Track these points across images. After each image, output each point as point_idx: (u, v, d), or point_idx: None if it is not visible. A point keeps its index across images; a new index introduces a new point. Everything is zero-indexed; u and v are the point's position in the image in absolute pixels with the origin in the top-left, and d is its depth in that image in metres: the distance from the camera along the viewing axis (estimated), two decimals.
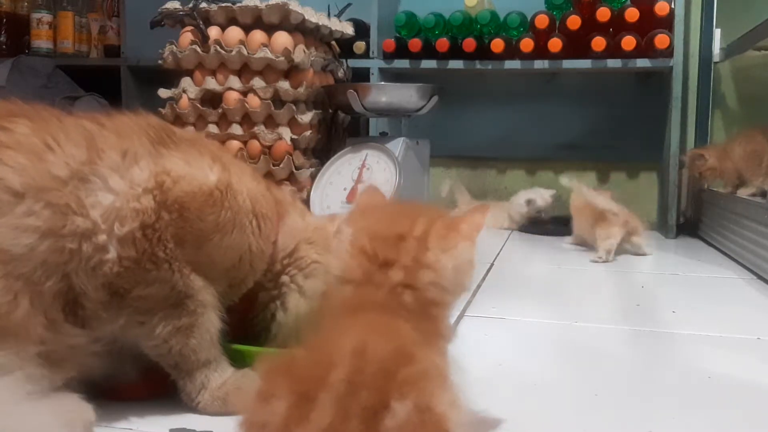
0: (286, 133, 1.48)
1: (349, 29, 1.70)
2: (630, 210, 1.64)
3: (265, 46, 1.45)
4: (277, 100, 1.48)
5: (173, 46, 1.49)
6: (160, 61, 1.52)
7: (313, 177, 1.51)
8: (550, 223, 2.03)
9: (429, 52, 2.10)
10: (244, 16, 1.48)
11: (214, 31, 1.48)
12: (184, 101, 1.49)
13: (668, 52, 1.92)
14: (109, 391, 0.64)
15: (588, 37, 1.98)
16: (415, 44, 2.09)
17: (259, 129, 1.46)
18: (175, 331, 0.63)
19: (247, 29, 1.48)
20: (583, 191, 1.67)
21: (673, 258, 1.69)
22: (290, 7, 1.46)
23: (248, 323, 0.75)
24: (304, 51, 1.49)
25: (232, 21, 1.49)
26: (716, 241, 1.78)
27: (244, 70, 1.48)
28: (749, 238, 1.48)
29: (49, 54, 2.32)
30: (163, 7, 1.52)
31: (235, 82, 1.47)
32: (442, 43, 2.07)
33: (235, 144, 1.47)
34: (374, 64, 2.13)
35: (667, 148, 1.99)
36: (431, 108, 1.54)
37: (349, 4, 1.74)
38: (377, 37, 2.13)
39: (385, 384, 0.42)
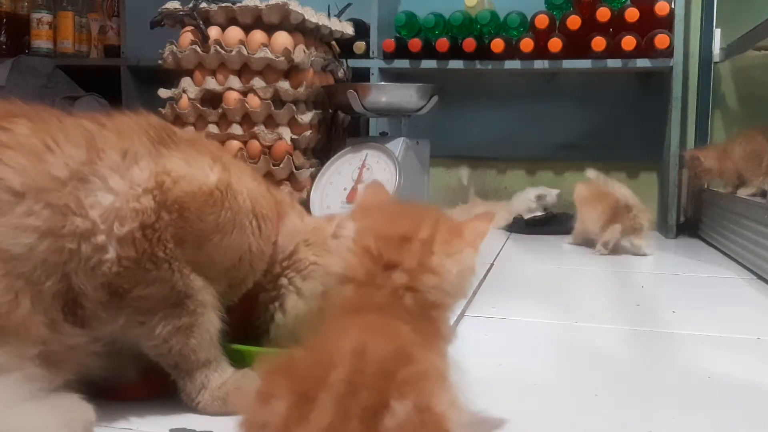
0: (286, 133, 1.48)
1: (349, 29, 1.70)
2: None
3: (265, 46, 1.45)
4: (277, 100, 1.48)
5: (173, 46, 1.50)
6: (160, 61, 1.52)
7: (313, 177, 1.51)
8: (552, 223, 2.03)
9: (429, 52, 2.10)
10: (244, 16, 1.48)
11: (214, 31, 1.48)
12: (184, 101, 1.49)
13: (668, 52, 1.92)
14: (109, 391, 0.64)
15: (588, 37, 1.98)
16: (415, 44, 2.09)
17: (259, 129, 1.46)
18: (175, 331, 0.63)
19: (247, 29, 1.48)
20: (608, 183, 1.65)
21: (673, 258, 1.69)
22: (290, 7, 1.46)
23: (248, 323, 0.75)
24: (304, 51, 1.49)
25: (232, 21, 1.49)
26: (716, 241, 1.78)
27: (244, 70, 1.48)
28: (749, 238, 1.48)
29: (49, 54, 2.32)
30: (163, 7, 1.52)
31: (235, 82, 1.47)
32: (442, 43, 2.07)
33: (235, 144, 1.47)
34: (374, 64, 2.13)
35: (667, 148, 1.99)
36: (431, 108, 1.54)
37: (349, 4, 1.74)
38: (377, 37, 2.13)
39: (385, 384, 0.42)
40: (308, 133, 1.50)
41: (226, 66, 1.47)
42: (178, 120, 1.49)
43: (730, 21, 2.06)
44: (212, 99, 1.49)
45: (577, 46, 2.01)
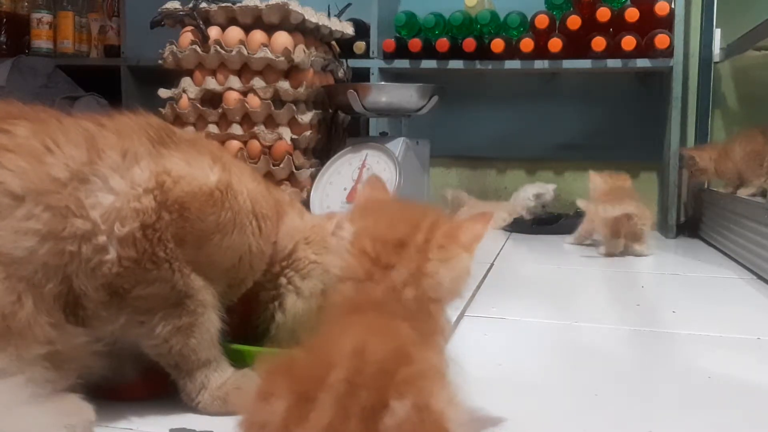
0: (286, 133, 1.48)
1: (349, 29, 1.70)
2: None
3: (265, 46, 1.45)
4: (277, 100, 1.48)
5: (173, 46, 1.50)
6: (160, 61, 1.53)
7: (313, 177, 1.51)
8: (556, 222, 2.03)
9: (429, 52, 2.10)
10: (244, 16, 1.48)
11: (214, 31, 1.48)
12: (184, 101, 1.49)
13: (668, 52, 1.92)
14: (109, 391, 0.64)
15: (588, 37, 1.98)
16: (415, 44, 2.09)
17: (259, 129, 1.46)
18: (176, 331, 0.63)
19: (247, 29, 1.48)
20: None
21: (673, 258, 1.69)
22: (290, 7, 1.46)
23: (248, 323, 0.75)
24: (304, 51, 1.49)
25: (232, 21, 1.49)
26: (716, 241, 1.78)
27: (244, 70, 1.48)
28: (749, 238, 1.48)
29: (49, 54, 2.32)
30: (163, 7, 1.53)
31: (235, 82, 1.47)
32: (442, 43, 2.07)
33: (235, 144, 1.47)
34: (374, 64, 2.13)
35: (667, 148, 1.99)
36: (431, 108, 1.54)
37: (349, 4, 1.74)
38: (377, 37, 2.13)
39: (384, 384, 0.42)
40: (308, 133, 1.50)
41: (226, 66, 1.47)
42: (178, 120, 1.49)
43: (730, 21, 2.06)
44: (212, 99, 1.49)
45: (577, 46, 2.01)
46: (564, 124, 2.29)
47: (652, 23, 1.95)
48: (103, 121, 0.65)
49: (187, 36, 1.49)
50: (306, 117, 1.50)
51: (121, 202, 0.60)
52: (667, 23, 1.94)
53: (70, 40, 2.34)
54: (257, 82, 1.46)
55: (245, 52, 1.44)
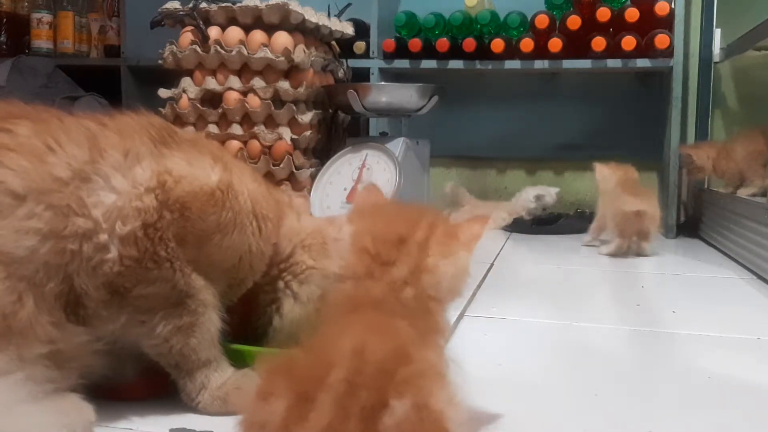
0: (286, 133, 1.48)
1: (349, 29, 1.70)
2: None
3: (265, 46, 1.45)
4: (277, 100, 1.48)
5: (173, 46, 1.50)
6: (160, 61, 1.53)
7: (313, 177, 1.51)
8: (557, 222, 2.03)
9: (429, 52, 2.10)
10: (244, 16, 1.48)
11: (214, 31, 1.48)
12: (184, 101, 1.49)
13: (668, 52, 1.92)
14: (109, 391, 0.64)
15: (588, 37, 1.98)
16: (415, 44, 2.09)
17: (259, 129, 1.46)
18: (176, 331, 0.63)
19: (247, 29, 1.48)
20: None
21: (673, 258, 1.69)
22: (290, 7, 1.46)
23: (248, 324, 0.75)
24: (304, 51, 1.49)
25: (232, 21, 1.49)
26: (716, 241, 1.78)
27: (244, 70, 1.48)
28: (749, 238, 1.48)
29: (49, 54, 2.32)
30: (163, 7, 1.53)
31: (235, 82, 1.47)
32: (442, 43, 2.07)
33: (235, 144, 1.47)
34: (374, 64, 2.13)
35: (667, 148, 1.99)
36: (431, 108, 1.54)
37: (349, 4, 1.74)
38: (377, 37, 2.13)
39: (384, 384, 0.42)
40: (308, 133, 1.50)
41: (226, 66, 1.47)
42: (178, 120, 1.49)
43: (730, 21, 2.06)
44: (212, 99, 1.49)
45: (577, 46, 2.01)
46: (564, 124, 2.29)
47: (652, 23, 1.95)
48: (104, 121, 0.65)
49: (187, 36, 1.49)
50: (306, 117, 1.50)
51: (122, 201, 0.60)
52: (667, 23, 1.94)
53: (70, 40, 2.34)
54: (257, 82, 1.46)
55: (245, 52, 1.44)
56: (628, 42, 1.92)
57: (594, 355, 0.91)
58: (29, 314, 0.56)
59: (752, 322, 1.08)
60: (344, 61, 1.74)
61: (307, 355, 0.45)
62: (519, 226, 2.03)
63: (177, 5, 1.52)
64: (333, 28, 1.62)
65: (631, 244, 1.61)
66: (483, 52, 2.06)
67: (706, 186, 1.99)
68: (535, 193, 2.07)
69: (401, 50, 2.12)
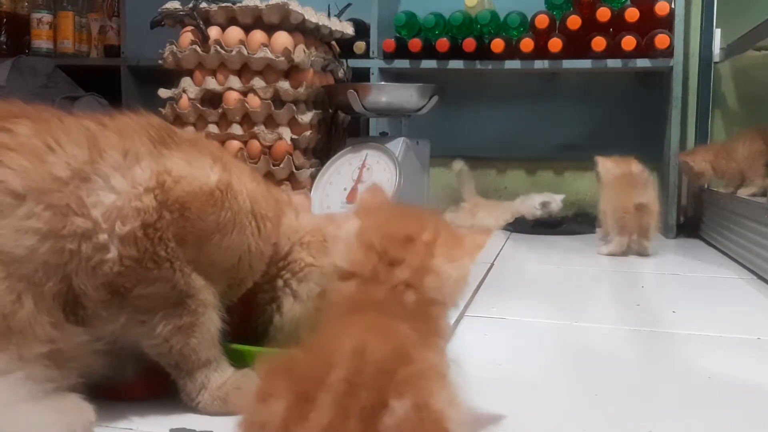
0: (286, 133, 1.48)
1: (349, 29, 1.70)
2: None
3: (265, 46, 1.45)
4: (277, 100, 1.48)
5: (173, 46, 1.50)
6: (160, 61, 1.53)
7: (313, 177, 1.51)
8: (557, 224, 2.03)
9: (429, 52, 2.10)
10: (244, 16, 1.48)
11: (214, 31, 1.48)
12: (184, 101, 1.49)
13: (668, 52, 1.92)
14: (109, 391, 0.64)
15: (588, 37, 1.98)
16: (415, 44, 2.09)
17: (259, 129, 1.46)
18: (176, 331, 0.63)
19: (247, 29, 1.48)
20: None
21: (673, 258, 1.69)
22: (290, 7, 1.46)
23: (248, 323, 0.75)
24: (304, 51, 1.49)
25: (232, 21, 1.49)
26: (716, 241, 1.78)
27: (244, 70, 1.48)
28: (749, 238, 1.48)
29: (49, 54, 2.32)
30: (163, 7, 1.53)
31: (235, 82, 1.47)
32: (442, 43, 2.07)
33: (235, 144, 1.47)
34: (374, 64, 2.13)
35: (667, 148, 1.99)
36: (431, 108, 1.55)
37: (349, 4, 1.74)
38: (377, 37, 2.13)
39: (384, 384, 0.42)
40: (308, 133, 1.50)
41: (226, 66, 1.47)
42: (178, 120, 1.49)
43: (730, 21, 2.06)
44: (212, 99, 1.49)
45: (577, 46, 2.01)
46: (564, 124, 2.29)
47: (652, 23, 1.95)
48: (104, 121, 0.65)
49: (187, 36, 1.49)
50: (306, 117, 1.50)
51: (122, 201, 0.60)
52: (667, 23, 1.94)
53: (70, 40, 2.34)
54: (257, 82, 1.46)
55: (245, 52, 1.44)
56: (628, 42, 1.92)
57: (594, 355, 0.91)
58: (28, 314, 0.56)
59: (752, 322, 1.08)
60: (344, 61, 1.74)
61: (307, 355, 0.45)
62: (519, 226, 2.03)
63: (177, 5, 1.52)
64: (333, 28, 1.62)
65: (631, 243, 1.61)
66: (483, 52, 2.06)
67: (706, 186, 1.99)
68: (541, 200, 2.06)
69: (401, 50, 2.12)
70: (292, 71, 1.49)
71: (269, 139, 1.46)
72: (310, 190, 1.49)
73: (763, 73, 2.12)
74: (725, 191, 1.82)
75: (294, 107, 1.48)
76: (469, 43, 2.05)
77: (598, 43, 1.95)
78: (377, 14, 2.12)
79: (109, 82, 2.19)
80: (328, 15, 1.65)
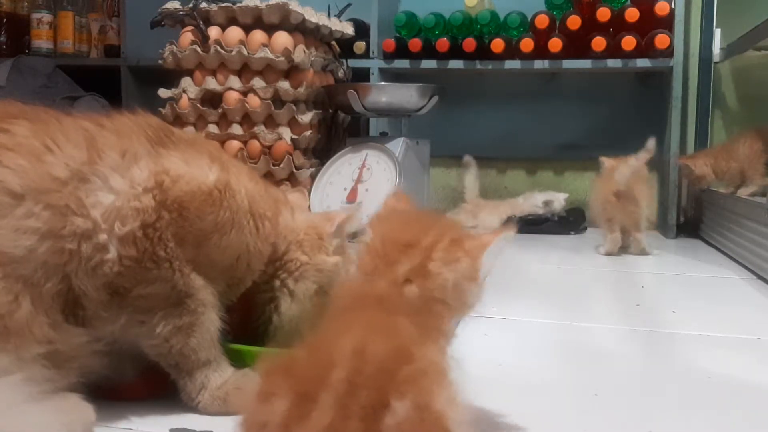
0: (286, 133, 1.48)
1: (349, 29, 1.71)
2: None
3: (265, 46, 1.45)
4: (277, 100, 1.48)
5: (173, 46, 1.50)
6: (160, 61, 1.53)
7: (313, 177, 1.51)
8: (540, 222, 2.03)
9: (429, 52, 2.10)
10: (244, 16, 1.48)
11: (214, 31, 1.48)
12: (184, 101, 1.49)
13: (668, 52, 1.92)
14: (109, 391, 0.64)
15: (588, 37, 1.98)
16: (415, 44, 2.09)
17: (259, 129, 1.46)
18: (176, 331, 0.63)
19: (247, 29, 1.48)
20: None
21: (673, 258, 1.69)
22: (290, 7, 1.46)
23: (248, 323, 0.75)
24: (304, 51, 1.49)
25: (232, 21, 1.50)
26: (716, 241, 1.78)
27: (244, 70, 1.48)
28: (749, 238, 1.48)
29: (49, 54, 2.32)
30: (163, 7, 1.53)
31: (235, 82, 1.47)
32: (442, 43, 2.07)
33: (235, 144, 1.47)
34: (374, 64, 2.13)
35: (667, 148, 1.99)
36: (431, 108, 1.55)
37: (349, 4, 1.74)
38: (377, 37, 2.13)
39: (385, 383, 0.42)
40: (308, 133, 1.50)
41: (226, 66, 1.47)
42: (179, 120, 1.49)
43: (730, 21, 2.06)
44: (212, 99, 1.49)
45: (577, 46, 2.01)
46: (564, 124, 2.29)
47: (652, 23, 1.95)
48: (102, 121, 0.65)
49: (187, 36, 1.49)
50: (306, 117, 1.50)
51: (121, 201, 0.60)
52: (667, 23, 1.94)
53: (70, 40, 2.34)
54: (257, 82, 1.46)
55: (245, 52, 1.44)
56: (628, 42, 1.92)
57: (594, 355, 0.91)
58: (26, 314, 0.56)
59: (752, 322, 1.08)
60: (344, 61, 1.74)
61: (307, 355, 0.45)
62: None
63: (177, 5, 1.52)
64: (333, 28, 1.62)
65: (625, 240, 1.61)
66: (483, 52, 2.06)
67: (706, 186, 1.99)
68: (544, 198, 2.05)
69: (401, 50, 2.12)
70: (292, 71, 1.49)
71: (269, 139, 1.46)
72: (310, 190, 1.49)
73: (763, 73, 2.12)
74: (725, 191, 1.82)
75: (294, 107, 1.48)
76: (469, 43, 2.05)
77: (598, 43, 1.95)
78: (377, 14, 2.12)
79: (109, 82, 2.19)
80: (328, 15, 1.65)
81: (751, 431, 0.68)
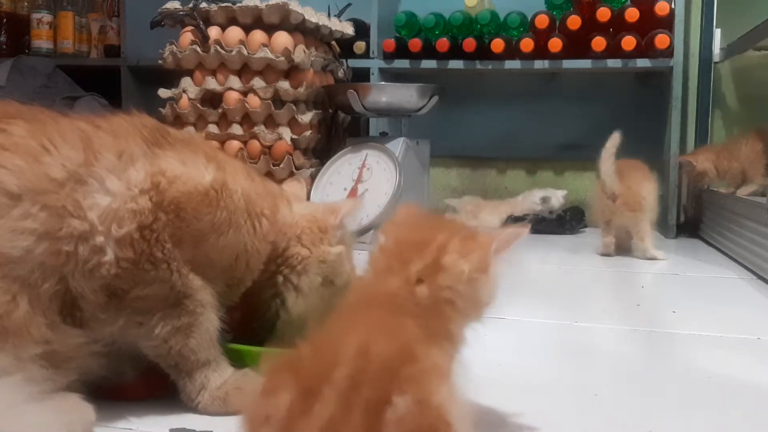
0: (286, 133, 1.48)
1: (349, 29, 1.71)
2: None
3: (265, 46, 1.45)
4: (277, 100, 1.48)
5: (173, 46, 1.50)
6: (160, 61, 1.53)
7: (313, 177, 1.51)
8: (544, 222, 2.03)
9: (429, 52, 2.10)
10: (244, 16, 1.48)
11: (214, 31, 1.49)
12: (184, 101, 1.49)
13: (668, 52, 1.92)
14: (109, 391, 0.64)
15: (588, 37, 1.98)
16: (415, 44, 2.09)
17: (259, 129, 1.46)
18: (175, 331, 0.63)
19: (247, 29, 1.48)
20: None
21: (673, 258, 1.69)
22: (290, 7, 1.46)
23: (248, 323, 0.75)
24: (304, 51, 1.49)
25: (232, 21, 1.50)
26: (716, 241, 1.78)
27: (244, 70, 1.48)
28: (749, 238, 1.48)
29: (49, 54, 2.33)
30: (163, 7, 1.53)
31: (235, 82, 1.47)
32: (442, 43, 2.07)
33: (236, 144, 1.47)
34: (374, 64, 2.13)
35: (667, 148, 1.99)
36: (431, 108, 1.55)
37: (349, 4, 1.74)
38: (377, 37, 2.13)
39: (388, 382, 0.42)
40: (308, 133, 1.50)
41: (226, 66, 1.47)
42: (179, 120, 1.49)
43: (730, 21, 2.06)
44: (212, 99, 1.49)
45: (577, 46, 2.01)
46: (564, 124, 2.29)
47: (652, 23, 1.95)
48: (98, 123, 0.65)
49: (187, 36, 1.49)
50: (306, 117, 1.50)
51: (117, 203, 0.60)
52: (667, 23, 1.94)
53: (70, 40, 2.34)
54: (257, 82, 1.46)
55: (245, 52, 1.44)
56: (628, 42, 1.92)
57: (594, 355, 0.91)
58: (24, 314, 0.56)
59: (752, 322, 1.08)
60: (344, 61, 1.74)
61: (312, 353, 0.46)
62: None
63: (177, 5, 1.52)
64: (333, 28, 1.62)
65: (627, 243, 1.60)
66: (483, 52, 2.06)
67: (706, 186, 1.99)
68: (542, 195, 2.04)
69: (401, 50, 2.12)
70: (292, 71, 1.49)
71: (269, 139, 1.46)
72: (310, 190, 1.49)
73: (763, 73, 2.12)
74: (725, 191, 1.82)
75: (294, 107, 1.48)
76: (469, 43, 2.05)
77: (598, 43, 1.95)
78: (377, 14, 2.12)
79: (109, 82, 2.19)
80: (328, 15, 1.65)
81: (751, 431, 0.68)
